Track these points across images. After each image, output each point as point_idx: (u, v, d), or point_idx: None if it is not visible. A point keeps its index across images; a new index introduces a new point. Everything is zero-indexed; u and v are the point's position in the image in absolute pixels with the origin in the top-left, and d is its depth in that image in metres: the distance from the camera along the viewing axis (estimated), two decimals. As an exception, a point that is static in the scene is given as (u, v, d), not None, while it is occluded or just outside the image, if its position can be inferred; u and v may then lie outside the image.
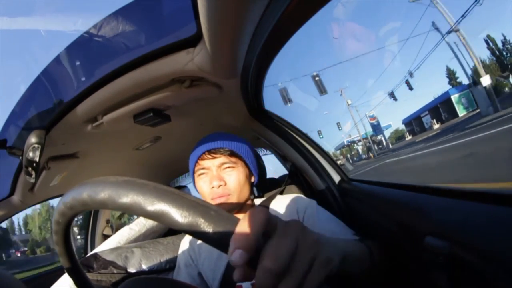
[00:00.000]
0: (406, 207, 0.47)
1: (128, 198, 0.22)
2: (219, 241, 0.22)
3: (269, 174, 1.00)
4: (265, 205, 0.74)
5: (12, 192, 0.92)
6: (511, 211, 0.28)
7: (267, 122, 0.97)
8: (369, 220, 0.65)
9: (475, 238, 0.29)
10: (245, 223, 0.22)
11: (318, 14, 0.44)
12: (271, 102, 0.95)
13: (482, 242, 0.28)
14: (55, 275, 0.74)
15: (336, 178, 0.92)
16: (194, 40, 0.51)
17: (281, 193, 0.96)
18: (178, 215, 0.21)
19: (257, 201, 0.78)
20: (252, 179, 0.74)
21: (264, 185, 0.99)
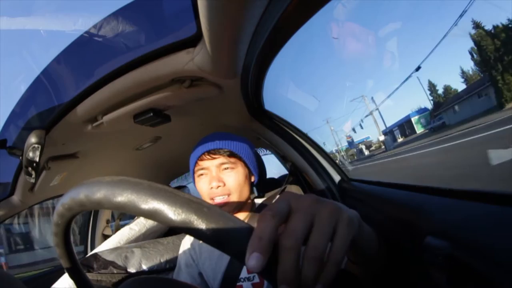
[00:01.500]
0: (406, 207, 0.46)
1: (149, 205, 0.22)
2: (236, 250, 0.22)
3: (270, 175, 1.00)
4: (266, 205, 0.74)
5: (12, 192, 0.92)
6: (511, 211, 0.28)
7: (267, 122, 0.97)
8: (369, 220, 0.64)
9: (475, 238, 0.29)
10: (258, 228, 0.22)
11: (318, 14, 0.44)
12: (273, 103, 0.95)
13: (483, 242, 0.28)
14: (55, 275, 0.74)
15: (336, 178, 0.92)
16: (194, 40, 0.51)
17: (282, 192, 0.96)
18: (172, 215, 0.21)
19: (258, 201, 0.78)
20: (252, 179, 0.74)
21: (264, 185, 0.99)
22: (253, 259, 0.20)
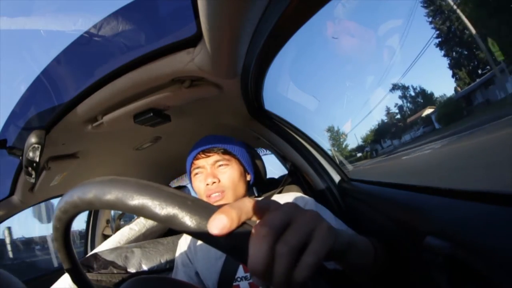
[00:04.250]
0: (406, 207, 0.46)
1: (111, 195, 0.22)
2: (200, 228, 0.21)
3: (270, 174, 1.00)
4: None
5: (12, 192, 0.92)
6: (511, 211, 0.28)
7: (267, 122, 0.97)
8: (369, 220, 0.64)
9: (475, 238, 0.29)
10: (230, 205, 0.22)
11: (318, 14, 0.44)
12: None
13: (482, 242, 0.28)
14: (55, 275, 0.74)
15: (336, 178, 0.92)
16: (194, 40, 0.51)
17: (280, 193, 0.96)
18: (157, 208, 0.21)
19: None
20: (248, 178, 0.74)
21: (263, 185, 0.99)
22: (215, 220, 0.19)
